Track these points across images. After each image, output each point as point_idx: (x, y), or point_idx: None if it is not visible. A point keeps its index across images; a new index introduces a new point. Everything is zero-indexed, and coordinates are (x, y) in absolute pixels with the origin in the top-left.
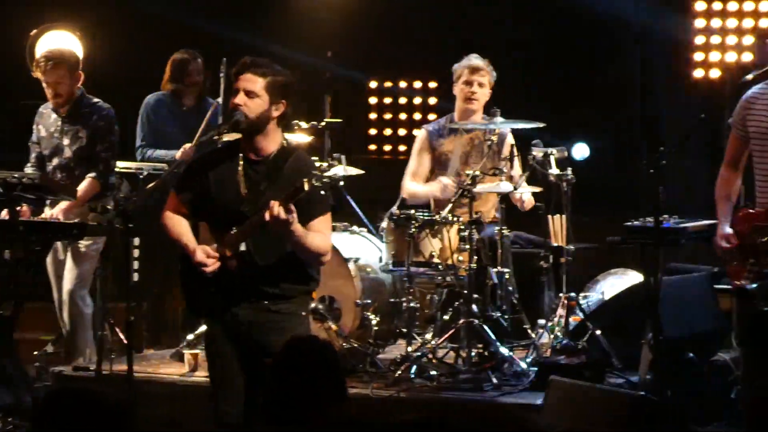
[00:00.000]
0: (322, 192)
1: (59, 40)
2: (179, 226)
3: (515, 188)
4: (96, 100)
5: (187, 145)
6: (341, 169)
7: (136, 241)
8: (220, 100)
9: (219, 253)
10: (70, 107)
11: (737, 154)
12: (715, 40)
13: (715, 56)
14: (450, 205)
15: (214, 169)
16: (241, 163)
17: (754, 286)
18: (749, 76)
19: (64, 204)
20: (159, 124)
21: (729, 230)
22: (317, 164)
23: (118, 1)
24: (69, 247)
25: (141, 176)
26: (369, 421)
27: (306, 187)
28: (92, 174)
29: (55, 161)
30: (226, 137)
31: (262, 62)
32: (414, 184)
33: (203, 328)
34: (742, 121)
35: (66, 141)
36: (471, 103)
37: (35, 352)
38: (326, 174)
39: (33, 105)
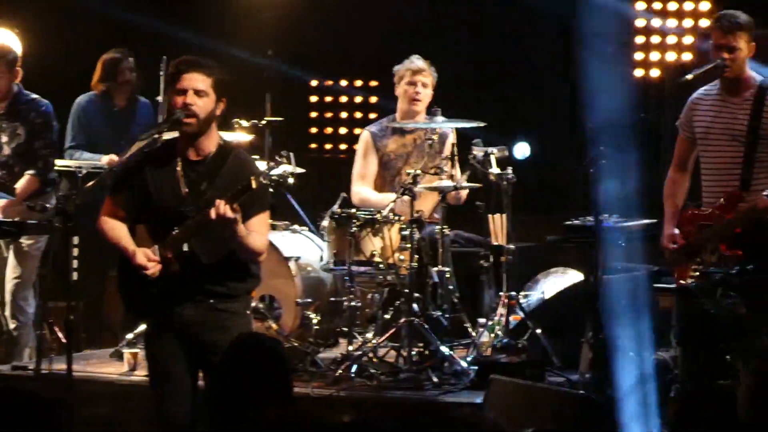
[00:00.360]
0: (262, 196)
1: None
2: (116, 230)
3: (456, 187)
4: (34, 96)
5: (114, 157)
6: (289, 168)
7: (75, 239)
8: (160, 98)
9: (160, 255)
10: (7, 104)
11: (685, 155)
12: (655, 39)
13: (655, 56)
14: (391, 204)
15: (151, 170)
16: (180, 163)
17: (696, 284)
18: (688, 76)
19: (2, 201)
20: (90, 125)
21: (675, 231)
22: (260, 163)
23: None
24: (11, 245)
25: (80, 175)
26: (311, 421)
27: (254, 185)
28: (31, 171)
29: None
30: (165, 136)
31: (206, 61)
32: (366, 190)
33: (143, 327)
34: (688, 123)
35: (4, 138)
36: (415, 104)
37: None
38: (274, 172)
39: None
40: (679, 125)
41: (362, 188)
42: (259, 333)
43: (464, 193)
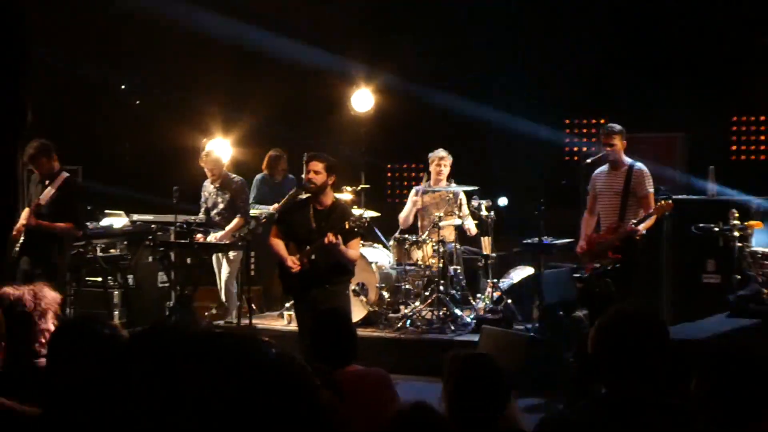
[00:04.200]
0: (355, 230)
1: (213, 146)
2: (278, 246)
3: (463, 223)
4: (233, 175)
5: (275, 205)
6: (367, 214)
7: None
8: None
9: (300, 260)
10: (220, 181)
11: (592, 204)
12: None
13: (576, 147)
14: (427, 231)
15: (296, 213)
16: (311, 210)
17: (587, 275)
18: (588, 160)
19: (219, 233)
20: (262, 190)
21: (583, 243)
22: (355, 211)
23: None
24: (224, 256)
25: (261, 219)
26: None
27: (347, 226)
28: (238, 216)
29: (214, 211)
30: (303, 196)
31: (320, 155)
32: (402, 214)
33: (292, 301)
34: (592, 186)
35: (219, 200)
36: (439, 176)
37: (205, 313)
38: (362, 217)
39: (204, 179)
40: (589, 188)
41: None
42: (338, 306)
43: (474, 231)
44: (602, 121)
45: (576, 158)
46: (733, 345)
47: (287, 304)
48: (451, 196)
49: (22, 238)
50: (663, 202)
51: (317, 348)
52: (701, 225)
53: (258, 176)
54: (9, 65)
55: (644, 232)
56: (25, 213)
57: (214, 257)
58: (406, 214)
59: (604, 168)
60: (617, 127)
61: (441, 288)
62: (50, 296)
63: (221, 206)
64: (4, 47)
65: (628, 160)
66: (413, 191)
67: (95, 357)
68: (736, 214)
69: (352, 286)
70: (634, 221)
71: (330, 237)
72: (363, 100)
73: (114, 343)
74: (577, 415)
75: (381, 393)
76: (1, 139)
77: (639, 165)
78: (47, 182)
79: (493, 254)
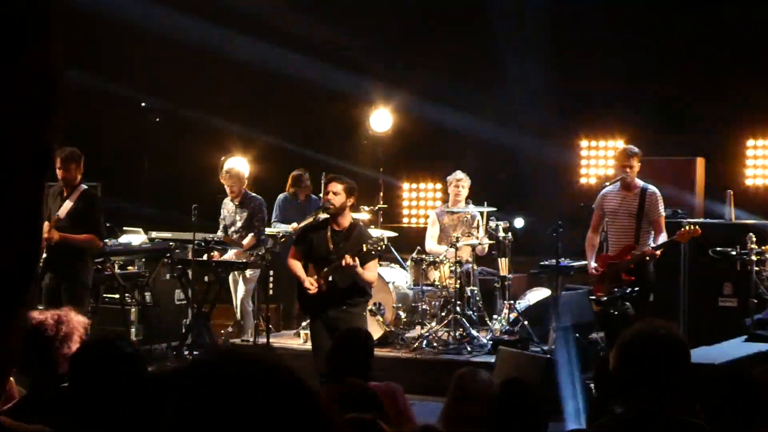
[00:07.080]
0: (372, 252)
1: (233, 163)
2: (296, 266)
3: (480, 244)
4: (253, 194)
5: (294, 225)
6: (385, 234)
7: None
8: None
9: (317, 281)
10: (240, 199)
11: (597, 223)
12: (593, 162)
13: (592, 171)
14: (444, 253)
15: (315, 235)
16: (329, 231)
17: (605, 299)
18: (607, 183)
19: (236, 251)
20: (285, 210)
21: (594, 264)
22: (374, 232)
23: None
24: (240, 274)
25: (279, 237)
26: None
27: (364, 249)
28: (252, 234)
29: (232, 228)
30: (322, 217)
31: (340, 177)
32: (430, 243)
33: (308, 320)
34: (600, 205)
35: (237, 217)
36: (457, 197)
37: (222, 331)
38: (380, 239)
39: (223, 196)
40: (595, 207)
41: (429, 242)
42: (358, 327)
43: (486, 249)
44: (620, 142)
45: (592, 180)
46: (744, 372)
47: (303, 323)
48: (468, 217)
49: (44, 254)
50: (691, 227)
51: (335, 365)
52: (718, 249)
53: (281, 196)
54: (34, 113)
55: (658, 254)
56: (45, 228)
57: (231, 275)
58: (433, 246)
59: (613, 188)
60: (636, 149)
61: (458, 309)
62: (75, 320)
63: (239, 224)
64: (31, 93)
65: (640, 182)
66: (432, 213)
67: (118, 375)
68: (754, 239)
69: (369, 306)
70: (653, 245)
71: (347, 259)
72: (382, 120)
73: (135, 361)
74: None
75: (396, 404)
76: (27, 183)
77: (652, 188)
78: (65, 194)
79: (510, 275)
